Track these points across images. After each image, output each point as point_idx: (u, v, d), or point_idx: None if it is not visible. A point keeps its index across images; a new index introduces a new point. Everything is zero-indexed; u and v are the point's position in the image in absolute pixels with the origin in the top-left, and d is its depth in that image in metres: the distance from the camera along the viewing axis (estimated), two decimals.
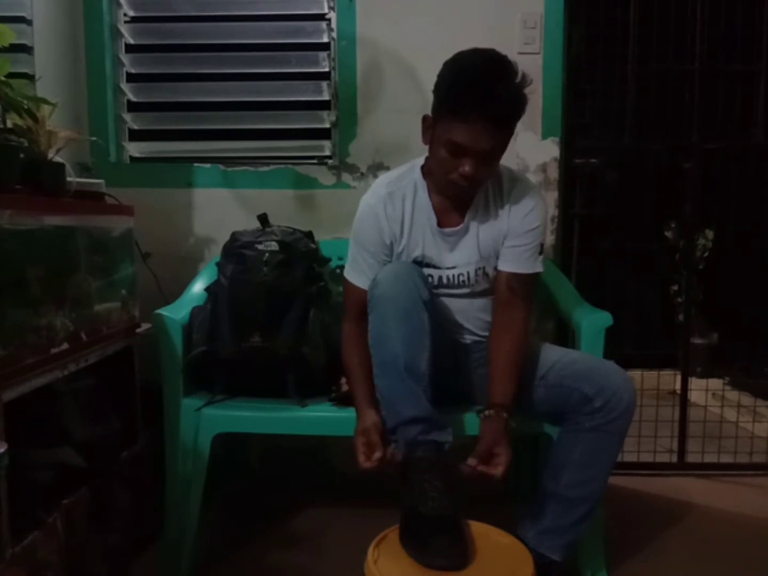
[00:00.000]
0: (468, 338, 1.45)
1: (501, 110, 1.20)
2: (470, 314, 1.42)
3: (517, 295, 1.35)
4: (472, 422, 1.37)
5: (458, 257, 1.37)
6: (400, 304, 1.18)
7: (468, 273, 1.38)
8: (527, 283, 1.37)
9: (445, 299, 1.39)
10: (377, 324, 1.20)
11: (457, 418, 1.36)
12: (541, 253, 1.38)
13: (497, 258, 1.38)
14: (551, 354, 1.36)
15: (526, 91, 1.23)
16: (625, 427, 1.23)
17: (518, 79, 1.21)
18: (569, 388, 1.25)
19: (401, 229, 1.37)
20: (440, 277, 1.38)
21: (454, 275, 1.38)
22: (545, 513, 1.27)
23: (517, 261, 1.36)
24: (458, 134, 1.20)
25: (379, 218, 1.35)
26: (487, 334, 1.42)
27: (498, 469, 1.16)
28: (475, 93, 1.17)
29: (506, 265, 1.37)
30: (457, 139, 1.20)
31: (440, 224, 1.37)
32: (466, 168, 1.22)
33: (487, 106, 1.18)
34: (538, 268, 1.38)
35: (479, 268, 1.38)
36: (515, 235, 1.35)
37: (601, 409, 1.21)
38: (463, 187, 1.27)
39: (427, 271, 1.36)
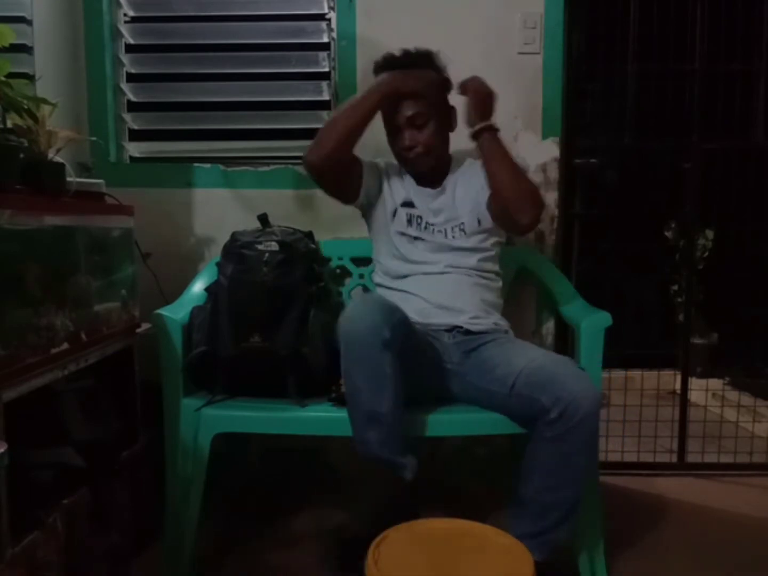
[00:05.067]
0: (444, 330, 1.48)
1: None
2: (446, 290, 1.50)
3: None
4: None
5: (437, 216, 1.56)
6: (361, 347, 1.23)
7: (445, 230, 1.55)
8: None
9: (420, 279, 1.50)
10: (344, 361, 1.27)
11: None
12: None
13: (475, 217, 1.54)
14: (520, 359, 1.34)
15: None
16: (587, 433, 1.22)
17: (425, 54, 1.49)
18: (530, 399, 1.24)
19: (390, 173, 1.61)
20: (427, 223, 1.56)
21: (433, 229, 1.55)
22: (522, 516, 1.28)
23: None
24: (386, 113, 1.50)
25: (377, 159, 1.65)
26: (474, 314, 1.49)
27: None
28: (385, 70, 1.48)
29: None
30: (386, 116, 1.51)
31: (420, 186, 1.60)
32: (405, 141, 1.50)
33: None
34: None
35: (455, 225, 1.55)
36: None
37: (558, 420, 1.20)
38: (414, 158, 1.52)
39: (414, 212, 1.56)
